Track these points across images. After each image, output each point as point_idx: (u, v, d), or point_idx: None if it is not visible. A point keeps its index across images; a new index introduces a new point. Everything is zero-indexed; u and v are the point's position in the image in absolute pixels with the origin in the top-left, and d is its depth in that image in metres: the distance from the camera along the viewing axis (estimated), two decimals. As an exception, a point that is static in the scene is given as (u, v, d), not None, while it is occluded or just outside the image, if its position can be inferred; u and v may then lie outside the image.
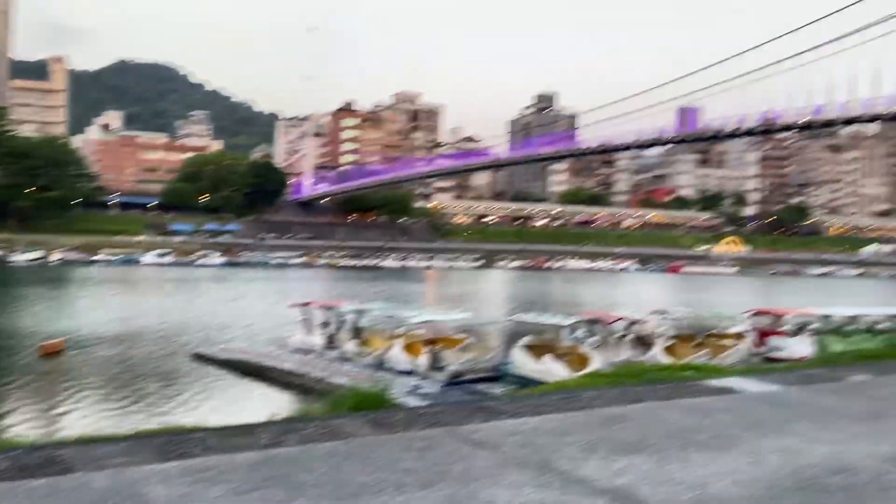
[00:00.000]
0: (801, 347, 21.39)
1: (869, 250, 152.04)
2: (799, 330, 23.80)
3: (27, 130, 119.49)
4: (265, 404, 17.02)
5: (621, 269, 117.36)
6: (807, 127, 73.40)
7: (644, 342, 22.18)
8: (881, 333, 22.63)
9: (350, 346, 23.28)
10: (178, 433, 4.23)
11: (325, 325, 24.72)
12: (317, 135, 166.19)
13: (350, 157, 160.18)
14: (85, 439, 4.07)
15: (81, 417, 16.84)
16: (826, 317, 24.84)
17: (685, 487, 3.25)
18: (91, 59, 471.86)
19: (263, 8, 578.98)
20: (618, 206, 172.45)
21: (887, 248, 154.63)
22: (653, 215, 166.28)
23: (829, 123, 69.94)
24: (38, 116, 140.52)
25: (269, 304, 42.50)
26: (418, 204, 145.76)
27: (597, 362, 18.47)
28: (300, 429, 4.23)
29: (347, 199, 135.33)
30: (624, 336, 21.91)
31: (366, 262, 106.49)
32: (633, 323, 22.55)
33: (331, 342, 24.02)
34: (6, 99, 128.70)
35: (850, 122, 68.36)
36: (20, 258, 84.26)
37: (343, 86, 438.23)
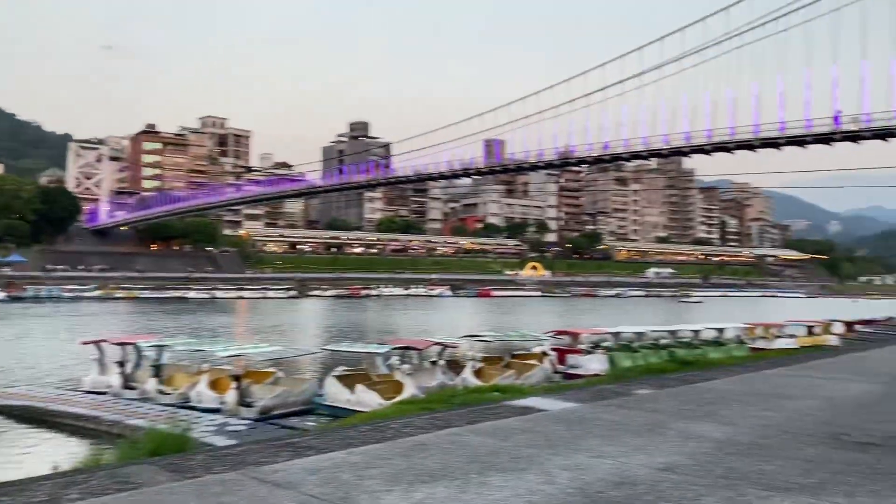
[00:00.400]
0: (595, 364, 22.98)
1: (651, 273, 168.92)
2: (594, 347, 25.59)
3: None
4: (48, 455, 15.34)
5: (436, 295, 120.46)
6: (597, 161, 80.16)
7: (456, 366, 22.71)
8: (664, 349, 24.96)
9: (150, 384, 21.66)
10: (-67, 498, 3.70)
11: (122, 363, 22.86)
12: (115, 158, 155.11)
13: (152, 183, 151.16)
14: None
15: None
16: (616, 334, 26.95)
17: (483, 512, 3.35)
18: None
19: (56, 25, 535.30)
20: (432, 234, 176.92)
21: (666, 270, 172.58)
22: (465, 243, 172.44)
23: (615, 158, 76.71)
24: None
25: (59, 342, 38.69)
26: (227, 232, 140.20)
27: (411, 389, 18.58)
28: (84, 481, 3.86)
29: (149, 226, 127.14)
30: (437, 361, 22.29)
31: (169, 293, 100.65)
32: (445, 348, 23.02)
33: (128, 381, 22.25)
34: None
35: (633, 157, 75.32)
36: None
37: (144, 108, 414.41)
